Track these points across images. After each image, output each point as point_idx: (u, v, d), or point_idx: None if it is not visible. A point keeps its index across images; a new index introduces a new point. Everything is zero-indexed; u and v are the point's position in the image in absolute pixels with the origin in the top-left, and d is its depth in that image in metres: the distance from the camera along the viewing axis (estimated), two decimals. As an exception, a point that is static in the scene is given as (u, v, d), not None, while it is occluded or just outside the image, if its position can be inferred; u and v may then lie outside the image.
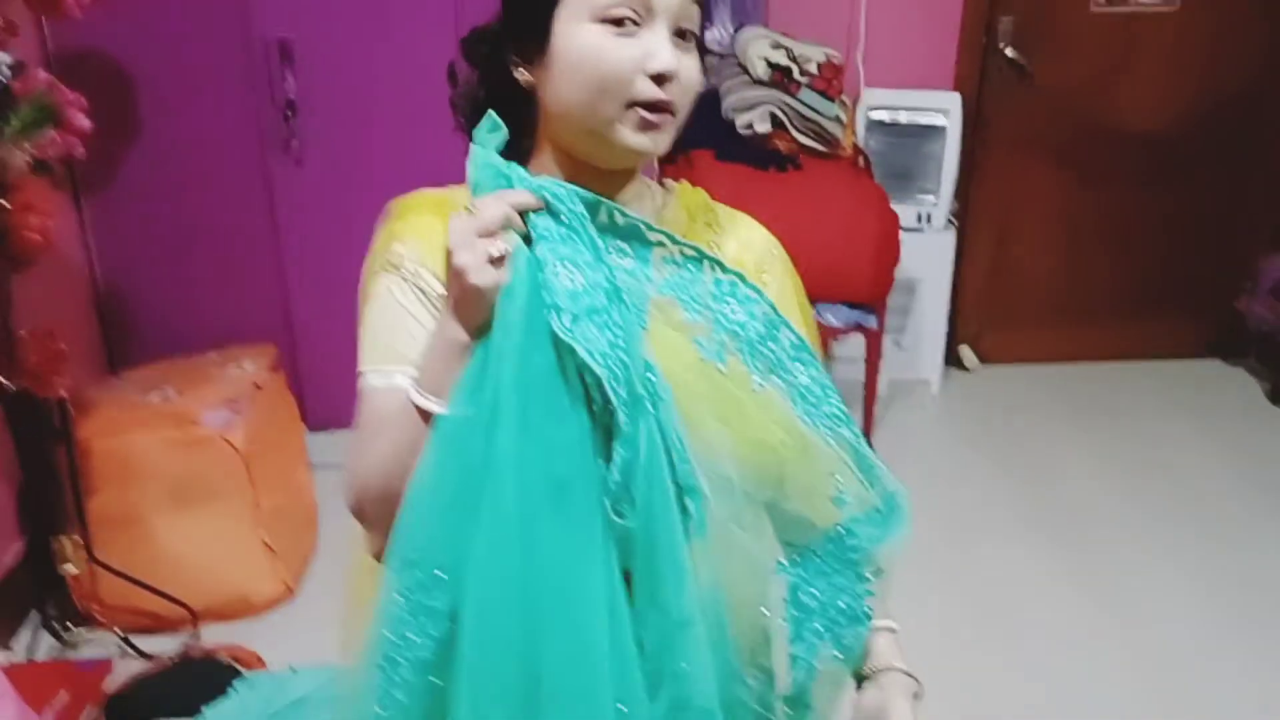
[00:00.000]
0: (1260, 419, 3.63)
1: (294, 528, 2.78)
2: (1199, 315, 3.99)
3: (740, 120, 3.18)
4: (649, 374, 0.93)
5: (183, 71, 2.95)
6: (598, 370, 0.90)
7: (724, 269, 1.02)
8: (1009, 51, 3.60)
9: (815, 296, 1.18)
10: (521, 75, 1.05)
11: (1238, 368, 3.95)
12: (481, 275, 0.91)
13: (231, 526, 2.60)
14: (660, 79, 0.98)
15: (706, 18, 1.06)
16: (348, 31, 2.87)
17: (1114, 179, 3.79)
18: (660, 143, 1.02)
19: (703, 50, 1.08)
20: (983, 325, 3.96)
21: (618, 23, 0.98)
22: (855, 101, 3.55)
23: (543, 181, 0.95)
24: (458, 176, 0.96)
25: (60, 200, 2.86)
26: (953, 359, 3.94)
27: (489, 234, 0.91)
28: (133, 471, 2.54)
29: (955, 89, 3.62)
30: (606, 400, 0.90)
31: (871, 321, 3.14)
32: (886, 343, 3.40)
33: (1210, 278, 3.93)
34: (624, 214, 0.98)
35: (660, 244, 0.99)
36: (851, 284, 3.04)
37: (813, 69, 3.21)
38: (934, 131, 3.53)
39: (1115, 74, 3.67)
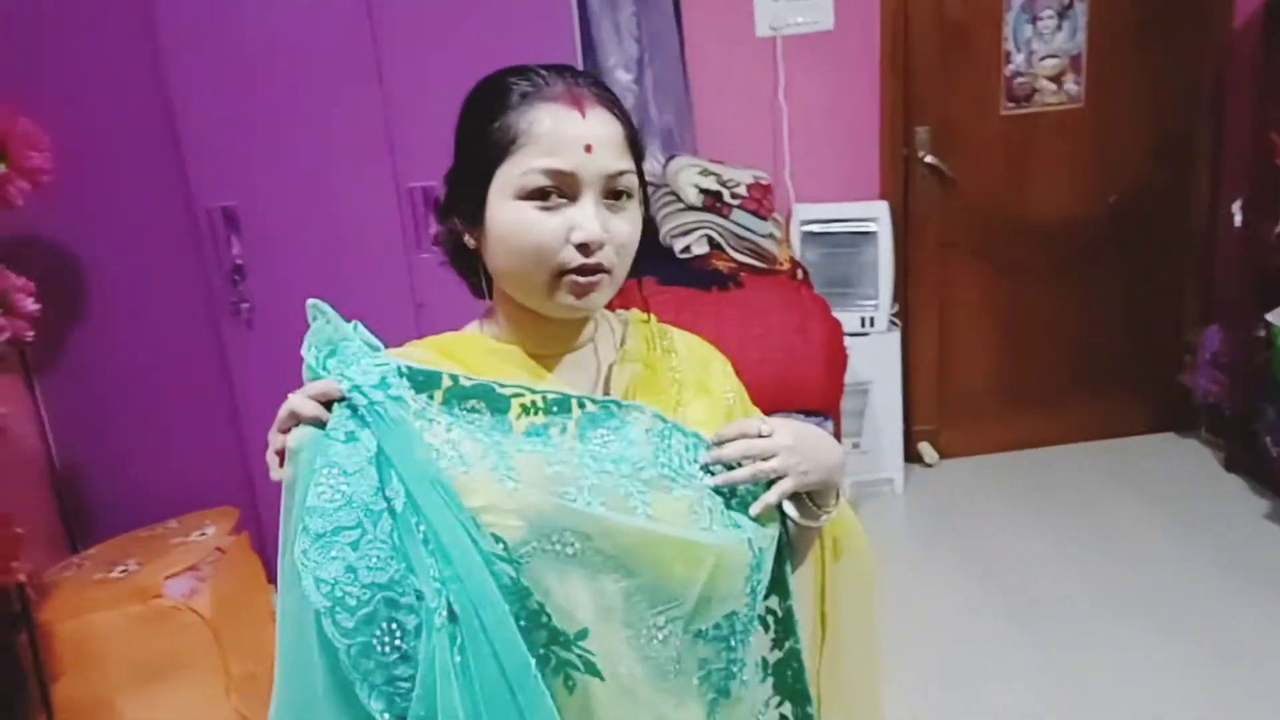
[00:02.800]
0: (1217, 488, 3.69)
1: (268, 692, 2.71)
2: (1145, 391, 4.08)
3: (678, 245, 3.28)
4: (445, 584, 0.89)
5: (129, 246, 3.00)
6: (315, 602, 0.87)
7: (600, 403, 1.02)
8: (928, 158, 3.76)
9: (770, 408, 1.22)
10: (466, 239, 1.09)
11: (1190, 439, 4.03)
12: (273, 471, 0.95)
13: (203, 698, 2.54)
14: (585, 248, 1.01)
15: (640, 161, 1.09)
16: (289, 194, 2.94)
17: (1040, 268, 3.93)
18: (597, 301, 1.05)
19: (645, 197, 1.10)
20: (938, 421, 4.02)
21: (544, 197, 1.01)
22: (788, 218, 3.67)
23: (364, 365, 0.94)
24: (409, 321, 1.00)
25: (12, 384, 2.87)
26: (913, 456, 3.99)
27: (283, 429, 0.94)
28: (97, 652, 2.48)
29: (882, 197, 3.76)
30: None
31: (828, 428, 3.18)
32: (845, 446, 3.44)
33: (1150, 354, 4.05)
34: (464, 390, 0.97)
35: (518, 395, 0.98)
36: (804, 393, 3.09)
37: (742, 191, 3.32)
38: (867, 239, 3.64)
39: (1028, 170, 3.84)
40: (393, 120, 2.93)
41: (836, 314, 3.27)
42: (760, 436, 1.05)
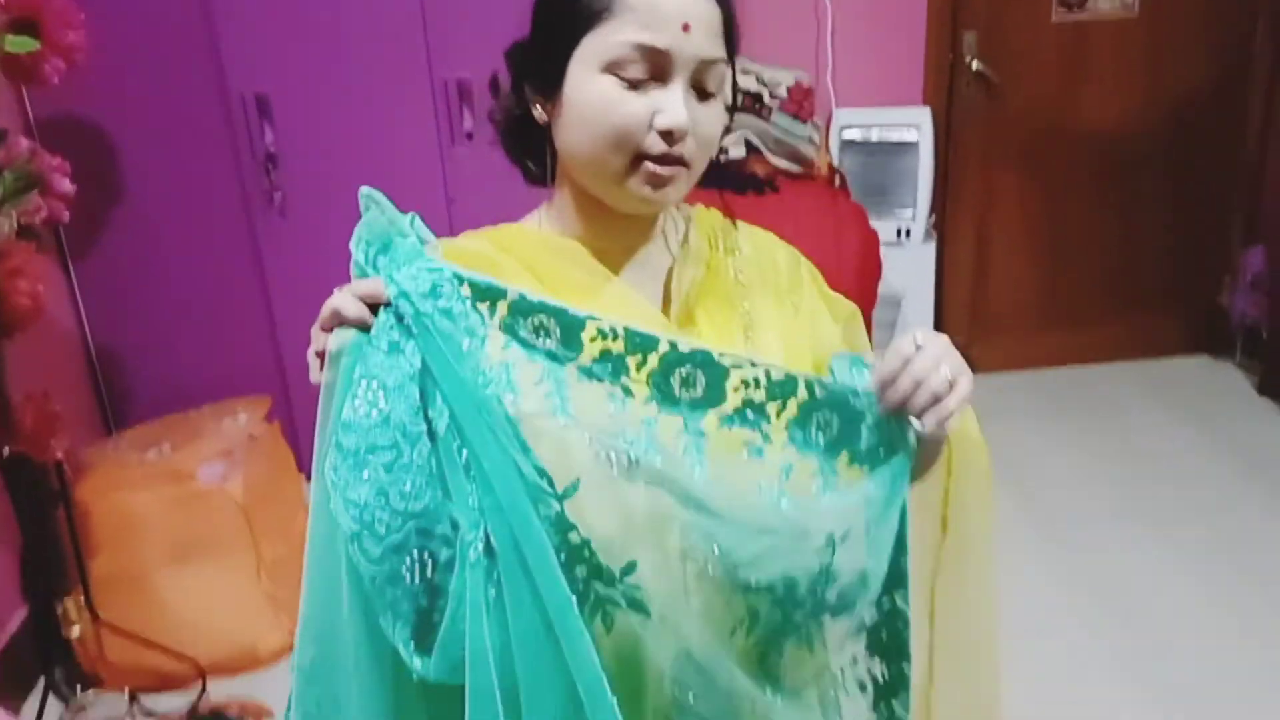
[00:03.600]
0: (1250, 411, 3.66)
1: (297, 577, 2.77)
2: (1183, 312, 4.02)
3: (715, 147, 3.23)
4: (484, 514, 0.84)
5: (162, 131, 2.99)
6: (343, 524, 0.83)
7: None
8: (974, 65, 3.66)
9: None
10: (537, 112, 1.02)
11: (1225, 362, 3.98)
12: (313, 372, 0.89)
13: (234, 579, 2.61)
14: (669, 135, 0.94)
15: (732, 63, 1.01)
16: (323, 82, 2.91)
17: (1085, 183, 3.84)
18: (671, 195, 0.98)
19: (733, 99, 1.03)
20: (970, 334, 3.99)
21: (631, 74, 0.94)
22: (828, 122, 3.60)
23: (415, 269, 0.86)
24: (441, 216, 0.96)
25: (48, 264, 2.89)
26: (942, 370, 3.97)
27: (325, 328, 0.87)
28: (132, 530, 2.55)
29: (925, 104, 3.67)
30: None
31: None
32: (874, 357, 3.42)
33: (1190, 274, 3.98)
34: (532, 305, 0.88)
35: (594, 319, 0.90)
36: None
37: (782, 93, 3.26)
38: (907, 147, 3.57)
39: (1078, 81, 3.73)
40: (429, 10, 2.88)
41: (873, 223, 3.23)
42: (916, 349, 0.92)
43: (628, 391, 0.90)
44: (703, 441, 0.91)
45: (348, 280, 0.89)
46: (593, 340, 0.89)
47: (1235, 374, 3.90)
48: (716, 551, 0.92)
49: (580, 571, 0.87)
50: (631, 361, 0.90)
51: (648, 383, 0.90)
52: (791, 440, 0.93)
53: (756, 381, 0.92)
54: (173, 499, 2.55)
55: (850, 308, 1.17)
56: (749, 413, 0.92)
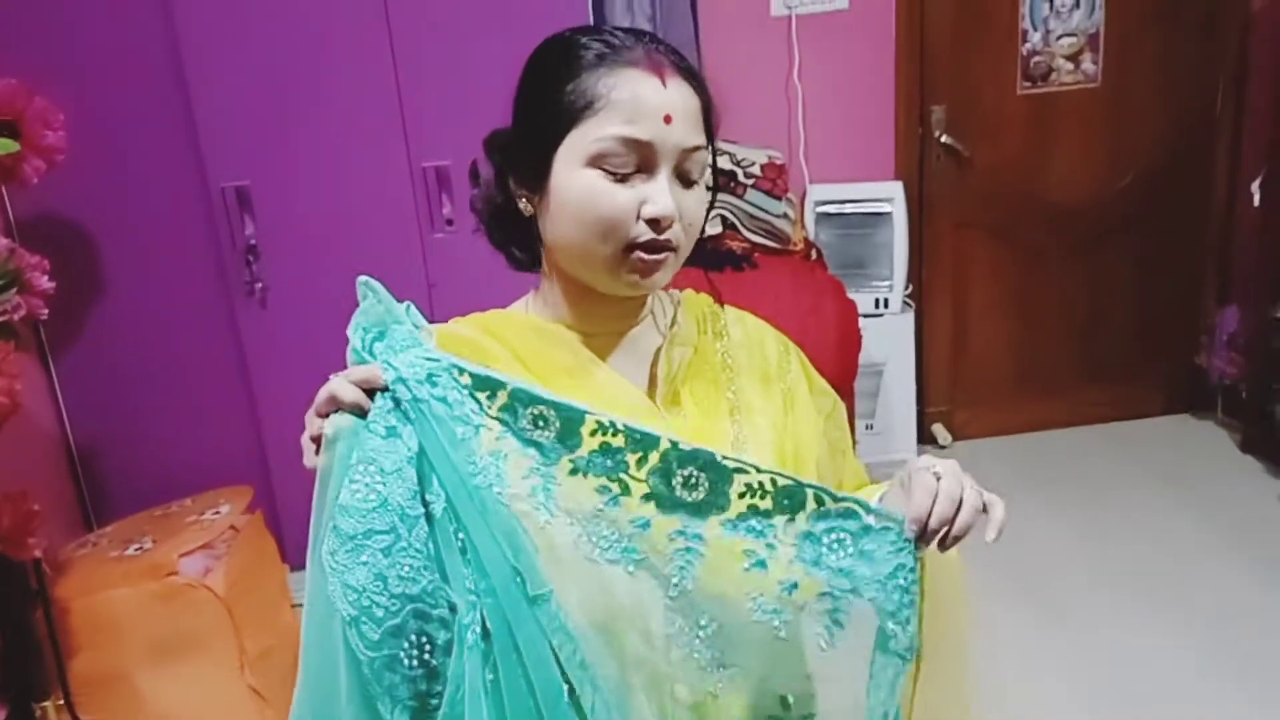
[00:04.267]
0: (1233, 468, 3.67)
1: (283, 670, 2.73)
2: (1161, 373, 4.05)
3: (692, 225, 3.26)
4: (480, 598, 0.84)
5: (142, 225, 3.01)
6: (341, 609, 0.82)
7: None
8: (944, 138, 3.73)
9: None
10: (523, 204, 1.03)
11: (1206, 421, 4.00)
12: (308, 457, 0.89)
13: (218, 675, 2.55)
14: (656, 223, 0.96)
15: (712, 138, 1.03)
16: (303, 173, 2.94)
17: (1057, 250, 3.90)
18: (660, 279, 1.00)
19: (714, 180, 1.05)
20: (952, 402, 4.01)
21: (616, 167, 0.96)
22: (802, 198, 3.65)
23: (412, 356, 0.87)
24: (423, 302, 0.96)
25: (28, 361, 2.88)
26: (926, 438, 3.98)
27: (321, 414, 0.88)
28: (113, 628, 2.50)
29: (897, 177, 3.73)
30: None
31: (842, 409, 3.17)
32: (859, 427, 3.43)
33: (1166, 336, 4.02)
34: (532, 397, 0.89)
35: (593, 414, 0.90)
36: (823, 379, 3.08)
37: (756, 171, 3.31)
38: (881, 219, 3.62)
39: (1045, 151, 3.80)
40: (406, 99, 2.92)
41: (850, 295, 3.26)
42: (937, 480, 0.93)
43: (625, 489, 0.89)
44: (700, 546, 0.90)
45: (330, 369, 0.90)
46: (592, 434, 0.90)
47: (1217, 433, 3.92)
48: (699, 641, 0.91)
49: (574, 660, 0.87)
50: (632, 458, 0.89)
51: (647, 481, 0.90)
52: (800, 557, 0.91)
53: (762, 488, 0.90)
54: (153, 594, 2.51)
55: (834, 401, 1.18)
56: (754, 521, 0.90)
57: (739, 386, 1.08)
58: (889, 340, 3.64)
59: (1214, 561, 3.14)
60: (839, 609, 0.91)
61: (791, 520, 0.90)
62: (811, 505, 0.90)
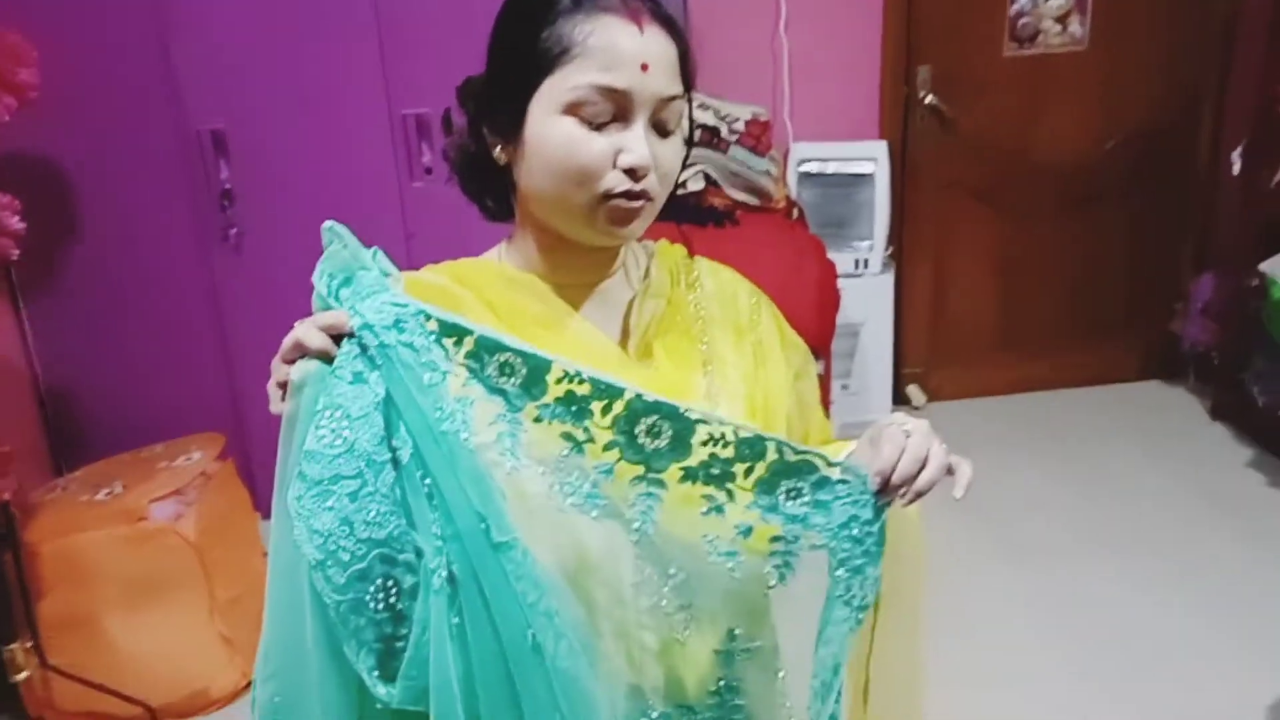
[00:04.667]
0: (1203, 435, 3.71)
1: (252, 617, 2.71)
2: (1136, 339, 4.08)
3: (674, 180, 3.24)
4: (445, 542, 0.85)
5: (117, 167, 2.97)
6: (307, 553, 0.83)
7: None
8: (929, 99, 3.71)
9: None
10: (497, 153, 1.03)
11: (1177, 387, 4.04)
12: (274, 403, 0.89)
13: (187, 620, 2.56)
14: (632, 172, 0.96)
15: (690, 87, 1.02)
16: (280, 118, 2.90)
17: (1038, 213, 3.90)
18: (636, 229, 1.00)
19: (690, 132, 1.05)
20: (928, 364, 4.03)
21: (592, 115, 0.95)
22: (785, 156, 3.63)
23: (378, 302, 0.86)
24: (399, 251, 0.96)
25: (-3, 303, 2.85)
26: (901, 398, 4.00)
27: (287, 360, 0.88)
28: (82, 572, 2.49)
29: (881, 137, 3.71)
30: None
31: (818, 368, 3.18)
32: (834, 387, 3.44)
33: (1143, 302, 4.04)
34: (499, 344, 0.89)
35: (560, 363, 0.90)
36: (796, 332, 3.08)
37: (740, 127, 3.28)
38: (863, 179, 3.61)
39: (1030, 114, 3.79)
40: (387, 46, 2.88)
41: (831, 254, 3.25)
42: (906, 437, 0.94)
43: (589, 435, 0.90)
44: (660, 491, 0.91)
45: (306, 316, 0.89)
46: (558, 382, 0.90)
47: (1188, 399, 3.96)
48: (668, 589, 0.93)
49: (534, 609, 0.88)
50: (596, 406, 0.90)
51: (611, 427, 0.90)
52: (757, 503, 0.92)
53: (724, 438, 0.91)
54: (124, 539, 2.50)
55: (804, 355, 1.17)
56: (714, 469, 0.91)
57: (711, 338, 1.08)
58: (867, 301, 3.64)
59: (1181, 521, 3.19)
60: (790, 553, 0.93)
61: (751, 469, 0.91)
62: (772, 456, 0.91)
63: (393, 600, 0.85)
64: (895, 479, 0.92)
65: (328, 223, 0.88)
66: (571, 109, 0.95)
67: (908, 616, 1.06)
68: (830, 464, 0.92)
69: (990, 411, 3.96)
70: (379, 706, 0.88)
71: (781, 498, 0.92)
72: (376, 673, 0.86)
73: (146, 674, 2.49)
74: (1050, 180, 3.85)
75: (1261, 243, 3.44)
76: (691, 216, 3.16)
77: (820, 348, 3.17)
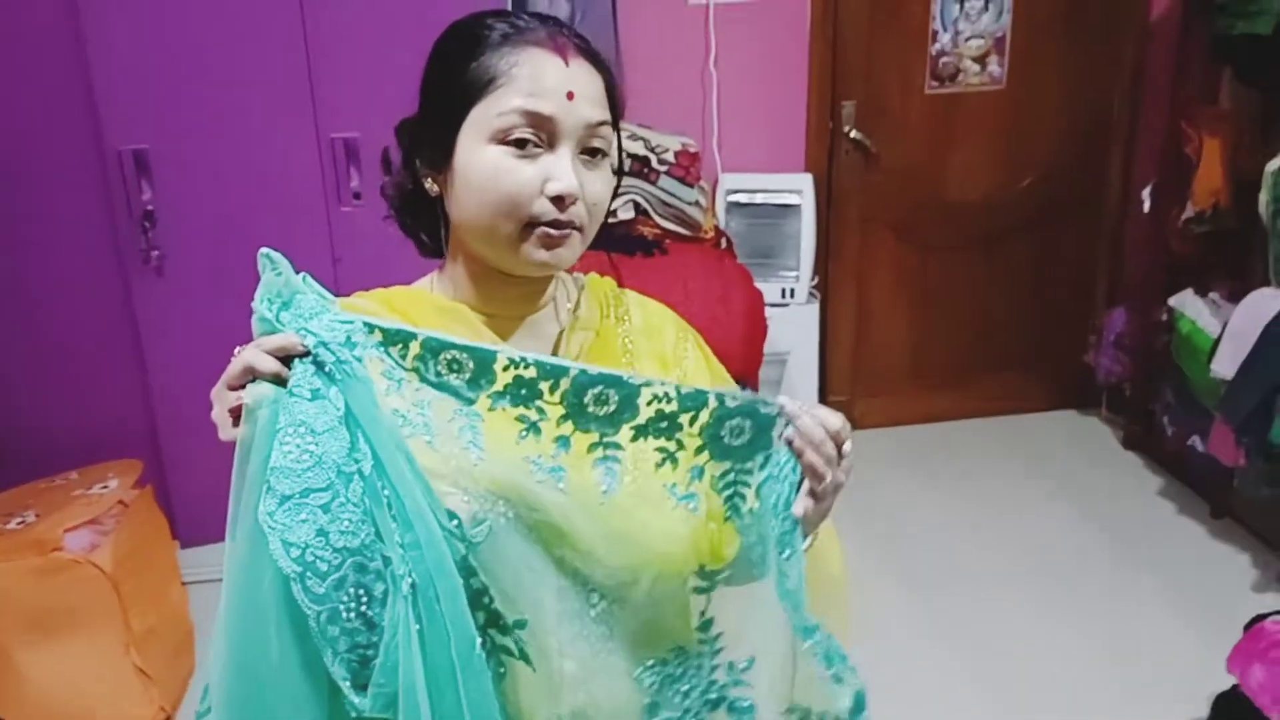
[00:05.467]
0: (1115, 464, 3.81)
1: (169, 649, 2.67)
2: (1052, 370, 4.19)
3: (604, 209, 3.26)
4: (406, 551, 0.87)
5: (33, 187, 2.89)
6: (284, 566, 0.84)
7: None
8: (853, 133, 3.79)
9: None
10: (429, 184, 1.04)
11: (1090, 418, 4.15)
12: (224, 430, 0.89)
13: (102, 653, 2.48)
14: (560, 200, 0.97)
15: (616, 128, 1.05)
16: (205, 139, 2.86)
17: (956, 247, 4.00)
18: (565, 258, 1.01)
19: (620, 162, 1.07)
20: (853, 392, 4.09)
21: (519, 143, 0.97)
22: (714, 186, 3.68)
23: (327, 321, 0.89)
24: (327, 276, 0.96)
25: (-96, 325, 2.76)
26: (826, 428, 4.04)
27: (234, 386, 0.88)
28: (-8, 604, 2.41)
29: (807, 170, 3.78)
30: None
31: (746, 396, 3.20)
32: (761, 416, 3.47)
33: (1057, 334, 4.15)
34: (444, 343, 0.92)
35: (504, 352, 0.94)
36: (724, 361, 3.05)
37: (670, 157, 3.32)
38: (790, 210, 3.67)
39: (949, 149, 3.89)
40: (316, 68, 2.86)
41: (758, 284, 3.30)
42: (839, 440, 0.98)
43: (542, 413, 0.94)
44: (619, 453, 0.96)
45: (229, 341, 0.90)
46: (505, 369, 0.93)
47: (1101, 429, 4.07)
48: (597, 596, 0.96)
49: (479, 618, 0.91)
50: (544, 386, 0.94)
51: (561, 402, 0.94)
52: (705, 447, 0.98)
53: (668, 395, 0.96)
54: (35, 570, 2.42)
55: (729, 385, 1.19)
56: (663, 423, 0.97)
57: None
58: (794, 330, 3.69)
59: (1090, 548, 3.28)
60: (740, 483, 0.99)
61: (695, 417, 0.97)
62: (714, 404, 0.97)
63: (364, 609, 0.87)
64: (813, 456, 0.96)
65: (264, 250, 0.89)
66: (499, 136, 0.97)
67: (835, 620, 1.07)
68: (766, 403, 0.98)
69: (908, 440, 4.03)
70: (352, 716, 0.88)
71: (726, 437, 0.98)
72: (348, 682, 0.87)
73: (59, 708, 2.41)
74: (966, 216, 3.95)
75: (1170, 278, 3.56)
76: (621, 245, 3.18)
77: (748, 375, 3.20)
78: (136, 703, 2.51)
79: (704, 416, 0.97)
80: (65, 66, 2.80)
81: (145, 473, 2.82)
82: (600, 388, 0.95)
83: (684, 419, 0.97)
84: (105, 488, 2.66)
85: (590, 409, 0.95)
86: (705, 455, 0.98)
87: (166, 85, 2.81)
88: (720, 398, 0.97)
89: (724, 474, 0.99)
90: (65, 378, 3.05)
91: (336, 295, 1.03)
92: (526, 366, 0.93)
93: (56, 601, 2.43)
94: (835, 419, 0.98)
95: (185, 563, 2.88)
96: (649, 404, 0.96)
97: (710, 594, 1.03)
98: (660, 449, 0.97)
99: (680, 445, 0.97)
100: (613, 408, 0.95)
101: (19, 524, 2.50)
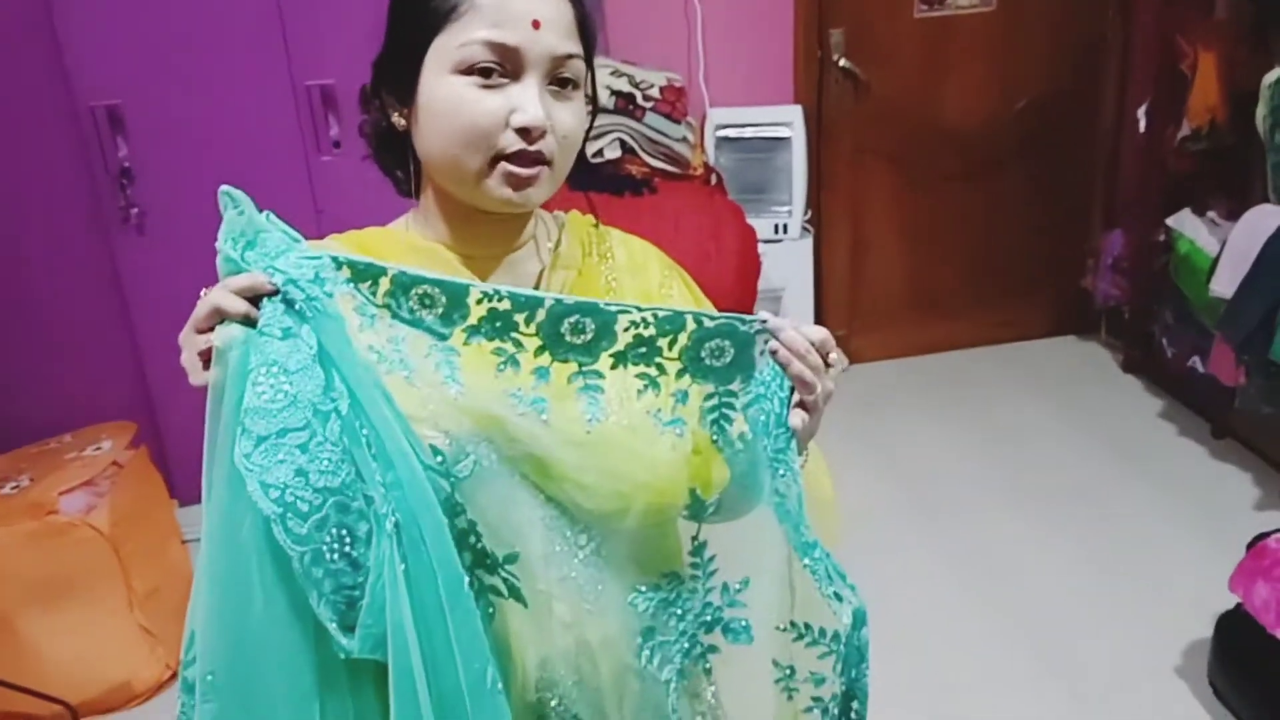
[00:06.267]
0: (1115, 388, 3.81)
1: (173, 607, 2.67)
2: (1049, 296, 4.17)
3: (590, 148, 3.19)
4: (388, 490, 0.85)
5: (6, 149, 2.84)
6: (264, 508, 0.82)
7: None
8: (842, 62, 3.72)
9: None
10: (396, 118, 1.01)
11: (1090, 342, 4.14)
12: (194, 375, 0.86)
13: (105, 614, 2.49)
14: (526, 133, 0.94)
15: (589, 61, 1.01)
16: (179, 92, 2.80)
17: (951, 175, 3.94)
18: (535, 196, 0.98)
19: (594, 96, 1.04)
20: (849, 326, 4.06)
21: (484, 74, 0.94)
22: (702, 122, 3.62)
23: (294, 258, 0.86)
24: (310, 227, 0.93)
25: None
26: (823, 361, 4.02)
27: (202, 329, 0.85)
28: (-10, 571, 2.40)
29: (796, 102, 3.72)
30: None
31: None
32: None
33: (1054, 259, 4.12)
34: (415, 278, 0.89)
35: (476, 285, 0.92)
36: (717, 299, 3.06)
37: (655, 93, 3.26)
38: (780, 144, 3.61)
39: (941, 75, 3.83)
40: (287, 13, 2.80)
41: (750, 220, 3.25)
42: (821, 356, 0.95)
43: (519, 345, 0.92)
44: (599, 381, 0.94)
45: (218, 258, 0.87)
46: (479, 303, 0.91)
47: (1101, 353, 4.06)
48: (585, 536, 0.95)
49: (465, 558, 0.90)
50: (519, 318, 0.92)
51: (538, 333, 0.92)
52: (686, 370, 0.96)
53: (645, 321, 0.94)
54: (32, 534, 2.41)
55: None
56: (641, 349, 0.95)
57: None
58: (788, 265, 3.65)
59: (1093, 472, 3.28)
60: (725, 405, 0.97)
61: (674, 340, 0.95)
62: (691, 325, 0.95)
63: (348, 549, 0.85)
64: (796, 367, 0.94)
65: (224, 187, 0.86)
66: (462, 67, 0.94)
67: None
68: (744, 321, 0.96)
69: (909, 372, 4.02)
70: (341, 658, 0.87)
71: (707, 359, 0.96)
72: (335, 624, 0.85)
73: (65, 671, 2.42)
74: (960, 142, 3.90)
75: (1167, 198, 3.52)
76: (609, 185, 3.13)
77: (743, 313, 3.16)
78: (143, 661, 2.52)
79: (682, 339, 0.95)
80: (30, 25, 2.73)
81: (139, 433, 2.80)
82: (576, 316, 0.92)
83: (663, 343, 0.95)
84: (99, 449, 2.65)
85: (567, 338, 0.93)
86: (687, 378, 0.96)
87: (137, 39, 2.74)
88: (698, 318, 0.95)
89: (708, 397, 0.97)
90: (53, 341, 3.02)
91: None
92: (500, 299, 0.91)
93: (56, 566, 2.42)
94: (817, 331, 0.96)
95: (184, 520, 2.87)
96: (626, 330, 0.94)
97: (701, 521, 1.01)
98: (641, 375, 0.95)
99: (661, 370, 0.95)
100: (589, 336, 0.93)
101: (13, 489, 2.49)
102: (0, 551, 2.40)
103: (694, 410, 0.97)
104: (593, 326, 0.93)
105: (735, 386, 0.97)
